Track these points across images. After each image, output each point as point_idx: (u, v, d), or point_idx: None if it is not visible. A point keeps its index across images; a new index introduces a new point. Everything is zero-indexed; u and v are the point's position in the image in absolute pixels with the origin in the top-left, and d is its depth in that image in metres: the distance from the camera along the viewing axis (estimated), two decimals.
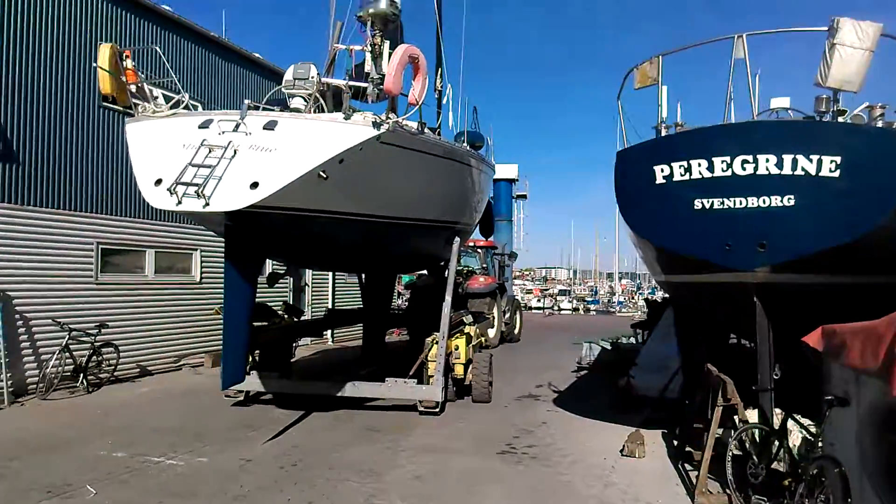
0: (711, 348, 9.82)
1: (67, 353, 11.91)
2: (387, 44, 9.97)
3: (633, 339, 17.91)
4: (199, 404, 11.46)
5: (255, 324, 11.10)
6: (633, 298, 67.40)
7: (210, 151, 7.97)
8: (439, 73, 12.97)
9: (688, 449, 8.33)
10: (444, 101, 12.82)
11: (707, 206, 7.85)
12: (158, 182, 7.87)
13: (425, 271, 18.25)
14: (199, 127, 8.31)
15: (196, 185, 7.65)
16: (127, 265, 14.11)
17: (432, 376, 11.26)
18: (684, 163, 8.02)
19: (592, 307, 56.33)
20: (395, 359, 14.26)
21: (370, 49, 9.73)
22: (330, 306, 20.14)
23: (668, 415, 10.13)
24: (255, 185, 7.70)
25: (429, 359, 11.53)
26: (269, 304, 13.64)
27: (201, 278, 15.77)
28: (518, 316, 24.79)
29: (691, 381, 9.55)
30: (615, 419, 10.47)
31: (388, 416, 10.87)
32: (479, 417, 10.93)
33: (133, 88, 8.87)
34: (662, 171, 8.24)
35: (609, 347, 17.29)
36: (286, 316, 14.33)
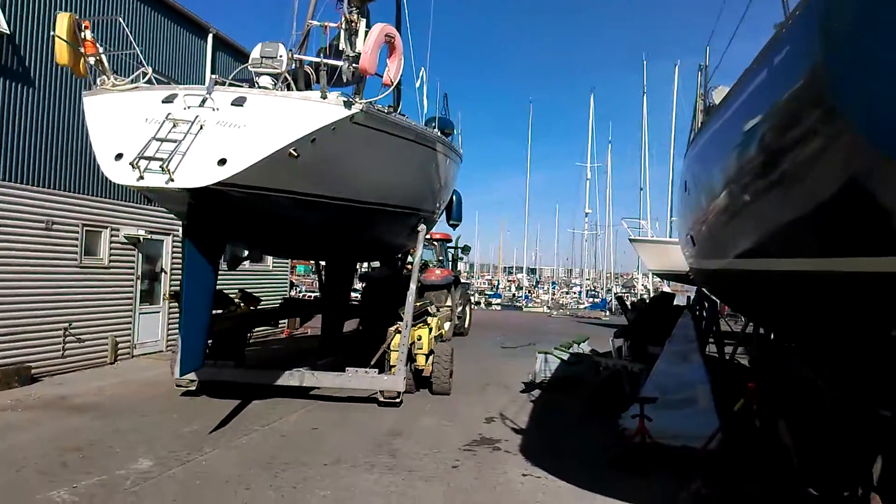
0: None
1: None
2: (363, 21, 9.65)
3: (583, 346, 14.42)
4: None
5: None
6: (535, 294, 66.80)
7: (175, 126, 7.61)
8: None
9: None
10: (418, 85, 12.61)
11: None
12: (119, 157, 7.47)
13: (377, 263, 17.97)
14: (163, 101, 7.97)
15: (160, 159, 7.27)
16: None
17: (394, 366, 10.99)
18: None
19: (494, 301, 55.43)
20: (351, 349, 13.62)
21: (346, 26, 9.39)
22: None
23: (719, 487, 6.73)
24: (222, 162, 7.35)
25: (391, 348, 11.36)
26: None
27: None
28: (468, 309, 24.66)
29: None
30: (635, 492, 7.06)
31: (348, 407, 10.50)
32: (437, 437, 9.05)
33: (91, 60, 8.41)
34: None
35: (566, 359, 13.41)
36: (241, 304, 14.08)
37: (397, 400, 10.79)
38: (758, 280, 6.80)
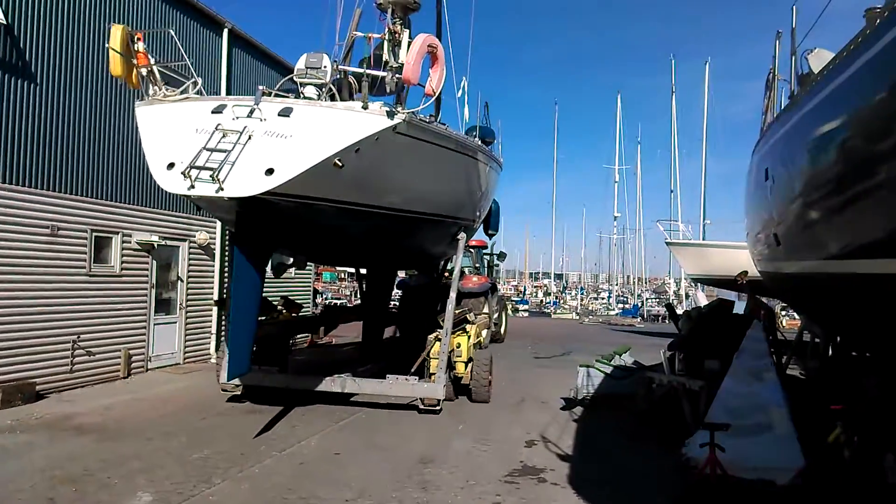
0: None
1: None
2: (406, 32, 9.74)
3: (626, 358, 13.25)
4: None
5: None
6: (563, 300, 65.22)
7: (224, 136, 7.78)
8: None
9: None
10: (459, 95, 12.70)
11: None
12: (171, 166, 7.67)
13: (415, 271, 18.06)
14: (213, 112, 8.16)
15: (210, 168, 7.43)
16: None
17: (434, 373, 11.00)
18: None
19: (522, 307, 54.18)
20: (390, 356, 13.58)
21: (389, 37, 9.51)
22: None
23: None
24: (270, 172, 7.50)
25: (431, 356, 11.37)
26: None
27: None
28: (504, 316, 24.71)
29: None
30: None
31: (374, 426, 9.97)
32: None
33: (144, 72, 8.65)
34: None
35: (610, 372, 12.25)
36: (284, 311, 14.23)
37: (437, 407, 10.73)
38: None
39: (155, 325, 14.10)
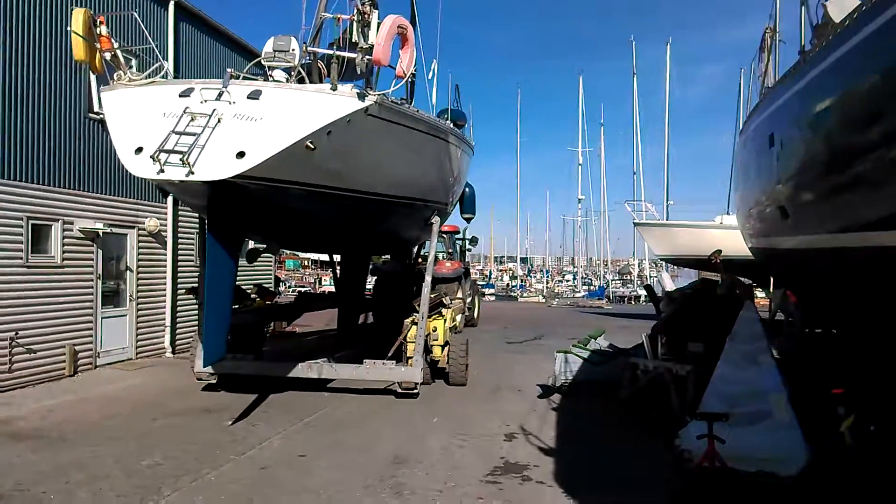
0: None
1: None
2: (375, 13, 9.37)
3: (600, 341, 12.61)
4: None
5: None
6: (529, 284, 65.03)
7: (193, 119, 7.69)
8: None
9: None
10: (430, 77, 12.96)
11: None
12: (139, 150, 7.54)
13: (388, 257, 18.22)
14: (180, 95, 8.07)
15: (180, 152, 7.33)
16: None
17: (411, 357, 11.08)
18: None
19: (488, 291, 53.74)
20: (367, 342, 13.65)
21: (358, 18, 9.06)
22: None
23: None
24: (241, 155, 7.42)
25: (408, 339, 11.50)
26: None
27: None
28: (477, 300, 24.87)
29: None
30: None
31: (340, 425, 9.29)
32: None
33: (108, 56, 8.52)
34: None
35: (588, 357, 11.58)
36: (257, 298, 14.25)
37: (415, 391, 10.78)
38: None
39: (103, 318, 13.12)
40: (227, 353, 9.86)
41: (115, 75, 8.57)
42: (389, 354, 11.46)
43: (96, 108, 12.59)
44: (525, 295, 54.46)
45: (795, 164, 7.49)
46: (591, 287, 58.98)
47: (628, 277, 61.66)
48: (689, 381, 8.72)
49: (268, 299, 14.89)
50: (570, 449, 8.30)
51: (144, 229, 14.31)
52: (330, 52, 9.41)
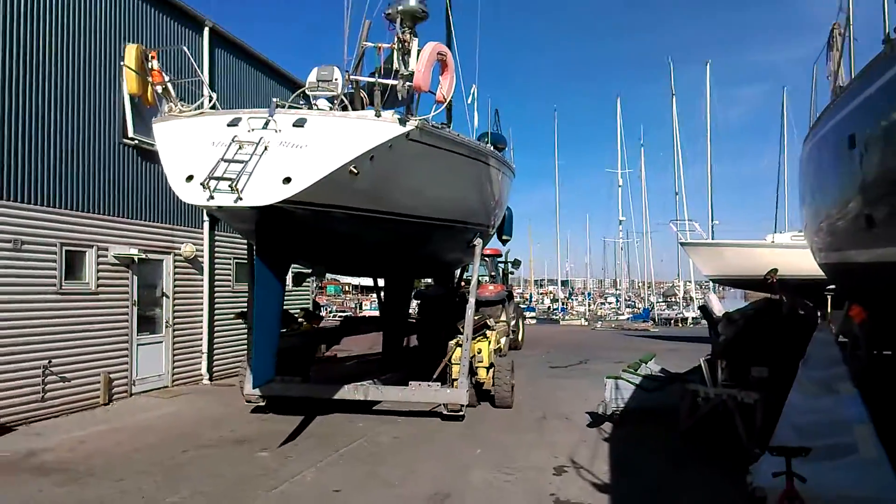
0: None
1: None
2: (415, 41, 9.66)
3: (651, 366, 12.15)
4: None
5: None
6: (571, 307, 63.71)
7: (241, 148, 7.94)
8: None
9: None
10: (469, 102, 12.92)
11: None
12: (190, 178, 7.80)
13: (431, 281, 18.46)
14: (228, 125, 8.33)
15: (229, 179, 7.60)
16: None
17: (456, 379, 11.11)
18: None
19: (529, 315, 52.93)
20: (411, 365, 13.66)
21: (399, 46, 9.34)
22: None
23: None
24: (287, 181, 7.64)
25: (452, 361, 11.50)
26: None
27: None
28: (521, 323, 24.61)
29: None
30: None
31: (379, 455, 8.89)
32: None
33: (159, 89, 8.94)
34: None
35: (640, 384, 10.74)
36: (304, 322, 14.41)
37: (461, 412, 10.76)
38: None
39: (138, 345, 12.89)
40: (276, 375, 9.82)
41: (165, 107, 8.95)
42: (434, 377, 11.46)
43: (130, 134, 12.53)
44: (567, 318, 53.39)
45: (885, 165, 6.77)
46: (636, 309, 57.58)
47: (673, 299, 60.07)
48: (758, 410, 7.96)
49: (314, 323, 15.06)
50: (626, 484, 7.61)
51: (181, 255, 14.13)
52: (372, 79, 9.57)
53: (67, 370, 11.22)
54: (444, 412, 10.74)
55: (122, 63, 9.17)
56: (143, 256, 12.89)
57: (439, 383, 11.12)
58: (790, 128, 51.84)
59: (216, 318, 15.11)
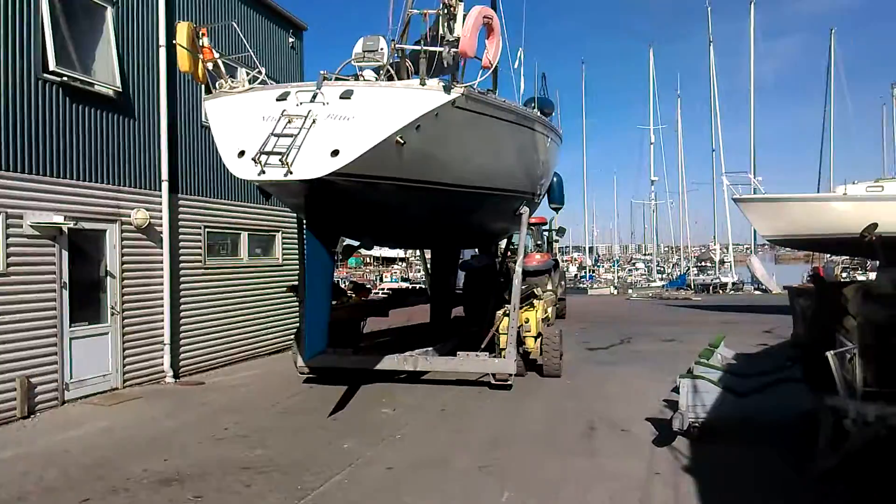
0: None
1: None
2: (461, 5, 8.97)
3: (722, 352, 9.93)
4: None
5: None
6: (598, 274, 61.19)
7: (290, 122, 8.04)
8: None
9: None
10: (516, 66, 13.31)
11: None
12: (241, 153, 7.96)
13: (476, 251, 18.23)
14: (278, 99, 8.43)
15: (279, 153, 7.68)
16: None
17: (504, 349, 11.20)
18: None
19: None
20: (460, 335, 13.79)
21: (444, 11, 8.80)
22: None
23: None
24: (335, 153, 7.73)
25: (500, 331, 11.60)
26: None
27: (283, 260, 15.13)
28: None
29: None
30: None
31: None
32: None
33: (210, 66, 9.00)
34: None
35: (725, 385, 7.84)
36: (352, 294, 14.74)
37: (508, 382, 10.90)
38: None
39: (72, 338, 10.23)
40: (328, 347, 9.92)
41: (216, 84, 9.02)
42: (482, 346, 11.60)
43: (52, 66, 9.75)
44: (595, 286, 50.26)
45: None
46: (668, 276, 54.17)
47: (709, 264, 56.58)
48: None
49: (362, 295, 15.28)
50: None
51: (130, 223, 11.35)
52: (417, 48, 9.52)
53: None
54: (493, 381, 10.89)
55: (173, 41, 9.10)
56: (75, 226, 10.16)
57: (487, 353, 11.26)
58: (838, 75, 47.61)
59: (182, 301, 12.39)
